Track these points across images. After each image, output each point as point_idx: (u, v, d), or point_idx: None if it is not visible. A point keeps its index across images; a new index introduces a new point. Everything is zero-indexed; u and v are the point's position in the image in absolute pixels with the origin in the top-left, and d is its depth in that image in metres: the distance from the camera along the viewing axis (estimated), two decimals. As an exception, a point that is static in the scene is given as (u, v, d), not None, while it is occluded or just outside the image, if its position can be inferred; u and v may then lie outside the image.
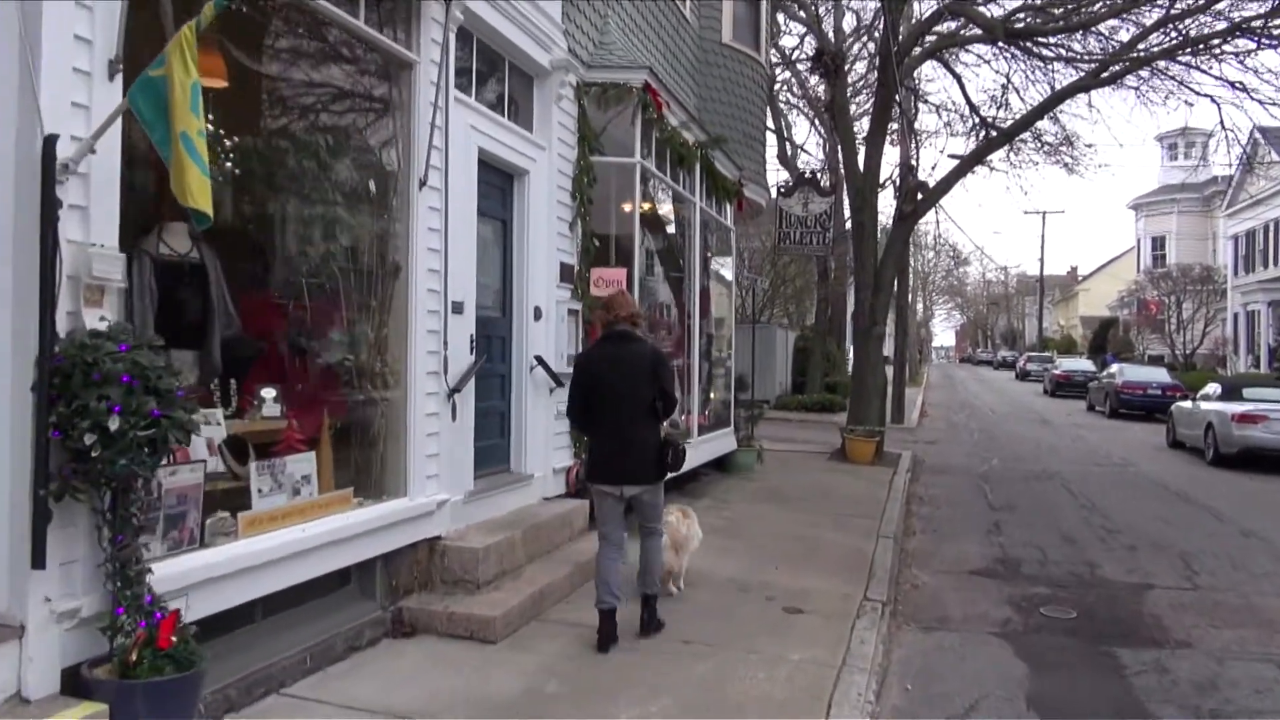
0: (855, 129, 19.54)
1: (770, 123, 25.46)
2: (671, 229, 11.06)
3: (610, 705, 4.50)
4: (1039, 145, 18.80)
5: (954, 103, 29.89)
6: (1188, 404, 18.50)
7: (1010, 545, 9.27)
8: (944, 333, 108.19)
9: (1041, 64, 15.93)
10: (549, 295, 7.54)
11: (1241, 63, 14.29)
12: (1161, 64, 14.77)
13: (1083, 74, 15.31)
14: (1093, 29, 14.86)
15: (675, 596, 6.24)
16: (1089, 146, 34.74)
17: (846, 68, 20.66)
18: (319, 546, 4.68)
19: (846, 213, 20.52)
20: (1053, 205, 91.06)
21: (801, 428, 19.60)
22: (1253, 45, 13.71)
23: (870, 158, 15.85)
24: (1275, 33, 13.21)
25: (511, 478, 7.11)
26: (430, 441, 5.73)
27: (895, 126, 19.01)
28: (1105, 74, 14.81)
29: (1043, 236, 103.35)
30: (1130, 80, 15.37)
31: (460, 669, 4.89)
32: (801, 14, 20.49)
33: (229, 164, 4.84)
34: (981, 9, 15.33)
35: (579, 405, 5.44)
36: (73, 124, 3.39)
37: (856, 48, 23.48)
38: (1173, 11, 13.84)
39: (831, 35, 19.79)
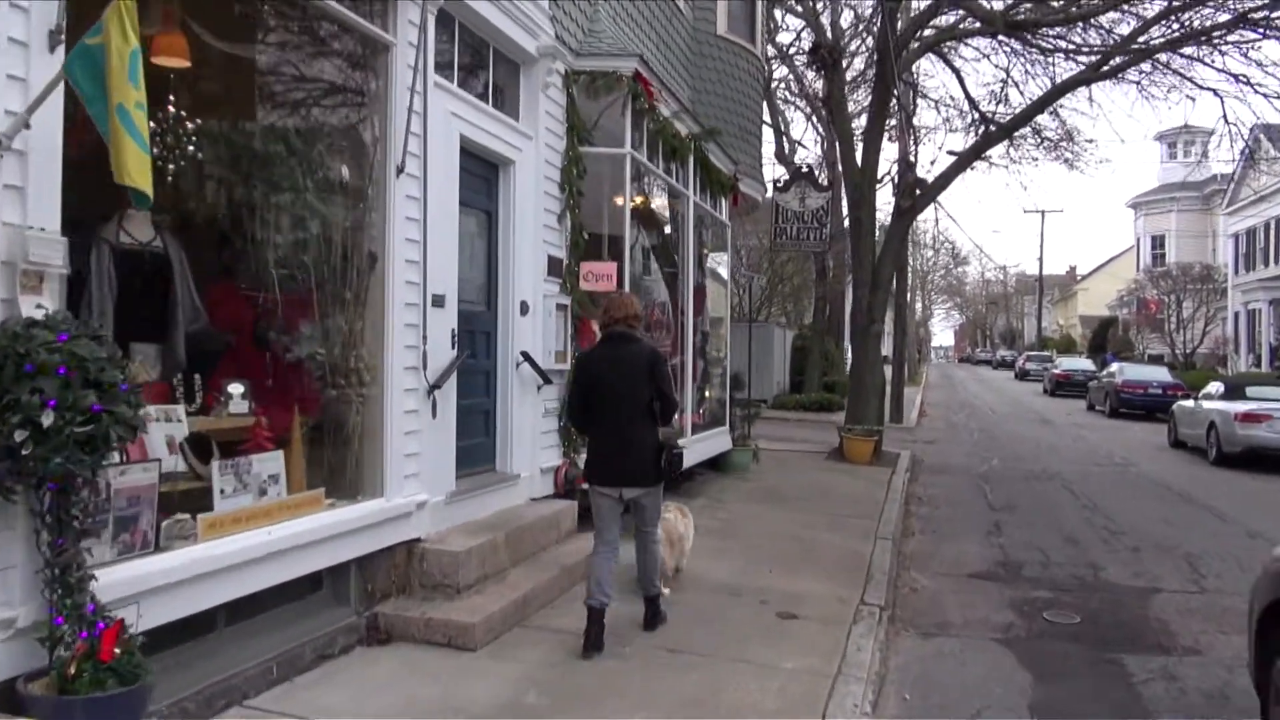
0: (853, 125, 19.31)
1: (767, 119, 25.26)
2: (665, 224, 10.83)
3: (591, 718, 4.28)
4: (1039, 141, 18.60)
5: (953, 98, 29.50)
6: (1189, 403, 18.29)
7: (1011, 547, 9.04)
8: (943, 332, 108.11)
9: (1042, 56, 15.72)
10: (536, 289, 7.30)
11: (1245, 55, 14.03)
12: (1163, 57, 14.56)
13: (1083, 68, 15.09)
14: (1093, 21, 14.65)
15: (665, 600, 5.99)
16: (1090, 142, 34.55)
17: (844, 63, 20.45)
18: (286, 550, 4.44)
19: (845, 210, 20.31)
20: (1052, 204, 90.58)
21: (799, 427, 19.38)
22: (1256, 36, 13.49)
23: (868, 153, 15.62)
24: (1279, 24, 12.98)
25: (496, 478, 6.87)
26: (409, 440, 5.50)
27: (893, 122, 18.79)
28: (1106, 67, 14.59)
29: (1042, 235, 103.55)
30: (1132, 74, 15.15)
31: (437, 678, 4.66)
32: (798, 8, 20.24)
33: (191, 148, 4.60)
34: (981, 1, 15.10)
35: (578, 405, 5.42)
36: (8, 98, 3.15)
37: (855, 44, 23.26)
38: (1175, 3, 13.62)
39: (829, 29, 19.54)
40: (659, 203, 10.44)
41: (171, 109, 4.56)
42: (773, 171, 24.23)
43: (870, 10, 19.36)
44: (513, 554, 6.15)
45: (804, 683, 4.83)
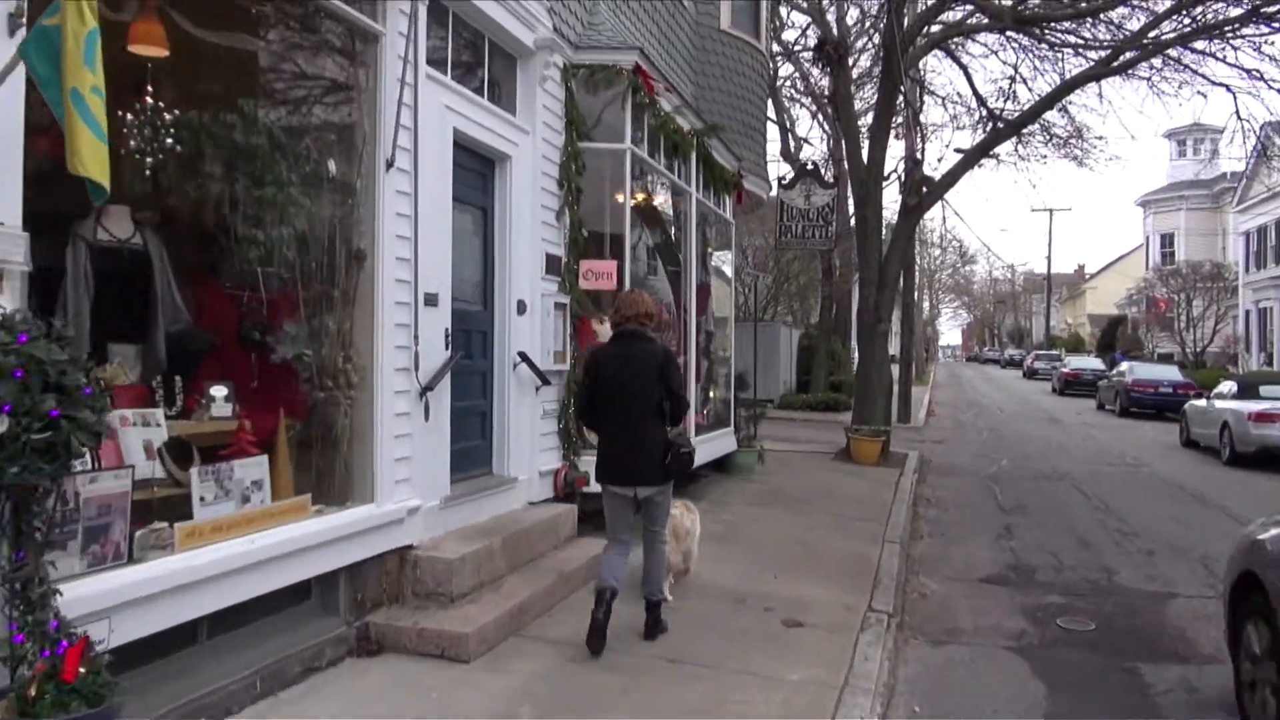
0: (859, 123, 19.11)
1: (773, 116, 25.04)
2: (667, 222, 10.65)
3: (587, 734, 4.11)
4: (1048, 138, 18.36)
5: (960, 95, 29.32)
6: (1202, 402, 18.05)
7: (1022, 550, 8.84)
8: (950, 331, 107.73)
9: (1050, 52, 15.48)
10: (534, 288, 7.12)
11: (1258, 50, 13.84)
12: (1174, 52, 14.31)
13: (1093, 63, 14.85)
14: (1103, 16, 14.40)
15: (668, 606, 5.77)
16: (1099, 139, 34.12)
17: (850, 60, 20.23)
18: (270, 560, 4.27)
19: (851, 208, 20.09)
20: (1060, 202, 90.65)
21: (805, 427, 19.18)
22: (1270, 31, 13.24)
23: (874, 150, 15.38)
24: (1294, 17, 12.75)
25: (493, 481, 6.70)
26: (400, 444, 5.32)
27: (900, 119, 18.55)
28: (1117, 63, 14.33)
29: (1050, 233, 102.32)
30: (1142, 70, 14.89)
31: (428, 691, 4.49)
32: (804, 3, 20.03)
33: (170, 140, 4.43)
34: (989, -5, 14.88)
35: (587, 404, 5.40)
36: (-36, 85, 2.98)
37: (861, 41, 23.04)
38: (1186, -3, 13.39)
39: (834, 25, 19.30)
40: (661, 200, 10.25)
41: (149, 100, 4.39)
42: (778, 169, 24.03)
43: (876, 6, 19.12)
44: (509, 560, 5.98)
45: (809, 695, 4.65)
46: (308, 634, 4.68)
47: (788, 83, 26.33)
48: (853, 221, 18.40)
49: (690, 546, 6.62)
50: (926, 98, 21.17)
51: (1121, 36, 14.47)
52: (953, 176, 16.01)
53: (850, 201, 19.47)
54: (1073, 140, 18.35)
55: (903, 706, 4.91)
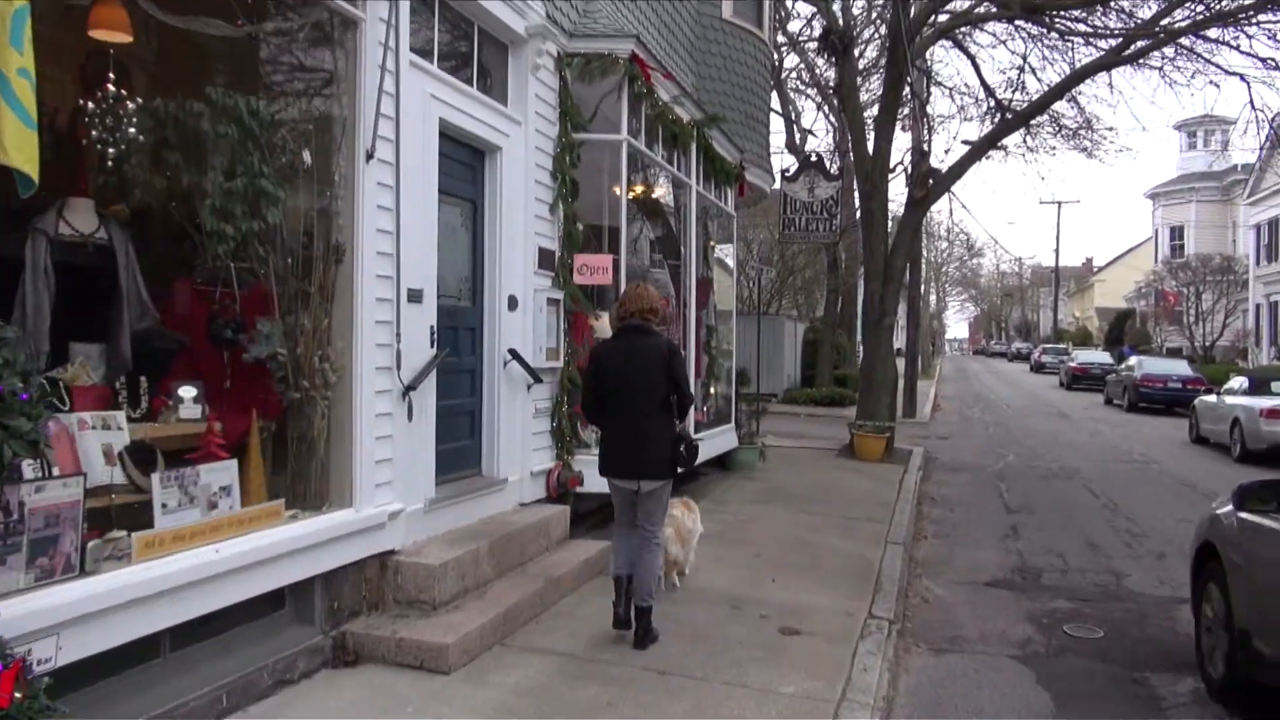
0: (865, 115, 18.79)
1: (778, 108, 24.75)
2: (667, 214, 10.44)
3: (569, 754, 3.91)
4: (1057, 129, 18.05)
5: (968, 85, 28.97)
6: (1212, 398, 17.79)
7: (1029, 552, 8.62)
8: (957, 324, 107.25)
9: (1060, 40, 15.19)
10: (526, 283, 6.91)
11: (1273, 38, 13.46)
12: (1187, 41, 14.01)
13: (1103, 52, 14.56)
14: (1114, 4, 14.11)
15: (661, 615, 5.56)
16: (1109, 130, 33.74)
17: (856, 51, 19.94)
18: (238, 569, 4.08)
19: (856, 201, 19.81)
20: (1069, 195, 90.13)
21: (810, 422, 18.97)
22: (1285, 18, 12.95)
23: (880, 141, 15.11)
24: (1310, 4, 12.45)
25: (483, 483, 6.49)
26: (381, 445, 5.12)
27: (906, 111, 18.27)
28: (1128, 52, 14.05)
29: (1058, 227, 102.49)
30: (1154, 59, 14.61)
31: (404, 705, 4.29)
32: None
33: (133, 130, 4.22)
34: (997, -17, 14.60)
35: (592, 399, 5.37)
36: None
37: (868, 32, 22.72)
38: (1199, -16, 13.10)
39: (840, 15, 19.00)
40: (660, 192, 10.04)
41: (112, 88, 4.18)
42: (782, 162, 23.77)
43: (883, -3, 18.82)
44: (497, 565, 5.78)
45: (804, 710, 4.45)
46: (280, 645, 4.48)
47: (793, 74, 26.05)
48: (858, 215, 18.16)
49: (692, 545, 6.62)
50: (934, 89, 20.92)
51: (1133, 24, 14.18)
52: (960, 168, 15.74)
53: (856, 195, 19.21)
54: (1082, 131, 18.07)
55: (902, 721, 4.72)
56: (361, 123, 4.97)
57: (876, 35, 22.59)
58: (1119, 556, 8.49)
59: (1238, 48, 13.74)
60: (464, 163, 6.40)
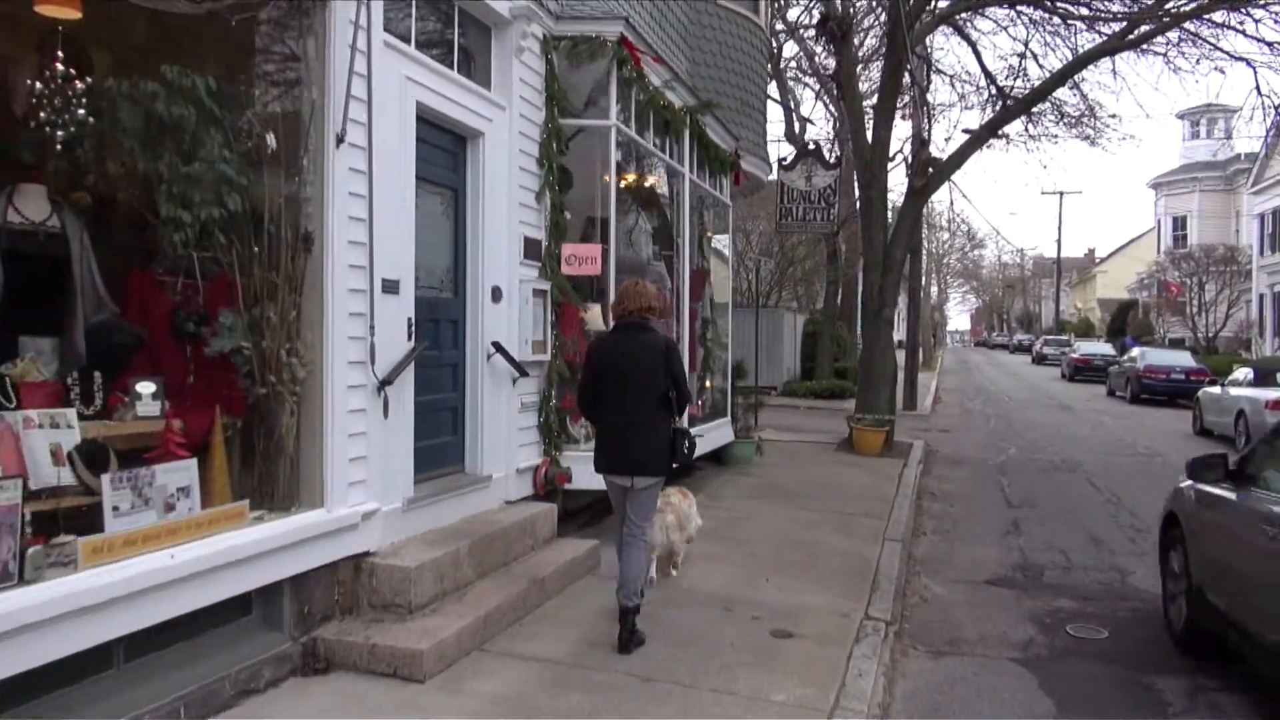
0: (865, 105, 18.52)
1: (777, 96, 24.48)
2: (660, 204, 10.21)
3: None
4: (1059, 116, 17.76)
5: (969, 73, 28.57)
6: (1216, 389, 17.56)
7: (1031, 548, 8.41)
8: (959, 316, 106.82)
9: (1062, 24, 14.90)
10: (511, 274, 6.69)
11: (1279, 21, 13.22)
12: (1192, 25, 13.73)
13: (1106, 37, 14.30)
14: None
15: (649, 618, 5.34)
16: (1113, 117, 33.38)
17: (856, 40, 19.66)
18: (196, 574, 3.87)
19: (856, 191, 19.55)
20: (1071, 185, 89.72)
21: (809, 415, 18.76)
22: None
23: (879, 129, 14.83)
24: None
25: (466, 480, 6.28)
26: (354, 443, 4.91)
27: (906, 99, 17.99)
28: (1132, 36, 13.78)
29: (1060, 217, 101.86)
30: (1158, 44, 14.33)
31: (374, 716, 4.09)
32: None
33: (83, 112, 4.00)
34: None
35: (589, 395, 5.31)
36: None
37: (869, 21, 22.42)
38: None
39: (839, 1, 18.72)
40: (652, 181, 9.81)
41: (61, 66, 3.96)
42: (780, 151, 23.46)
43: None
44: (478, 566, 5.58)
45: (795, 718, 4.24)
46: (246, 652, 4.28)
47: (793, 63, 25.77)
48: (858, 204, 17.91)
49: (689, 534, 6.62)
50: (934, 76, 20.61)
51: (1136, 8, 13.91)
52: (960, 157, 15.47)
53: (855, 185, 18.96)
54: (1085, 119, 17.77)
55: (898, 730, 4.51)
56: (331, 105, 4.75)
57: (877, 24, 22.30)
58: (1123, 553, 8.28)
59: (1244, 31, 13.45)
60: (444, 149, 6.17)
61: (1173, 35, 14.06)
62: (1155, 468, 13.64)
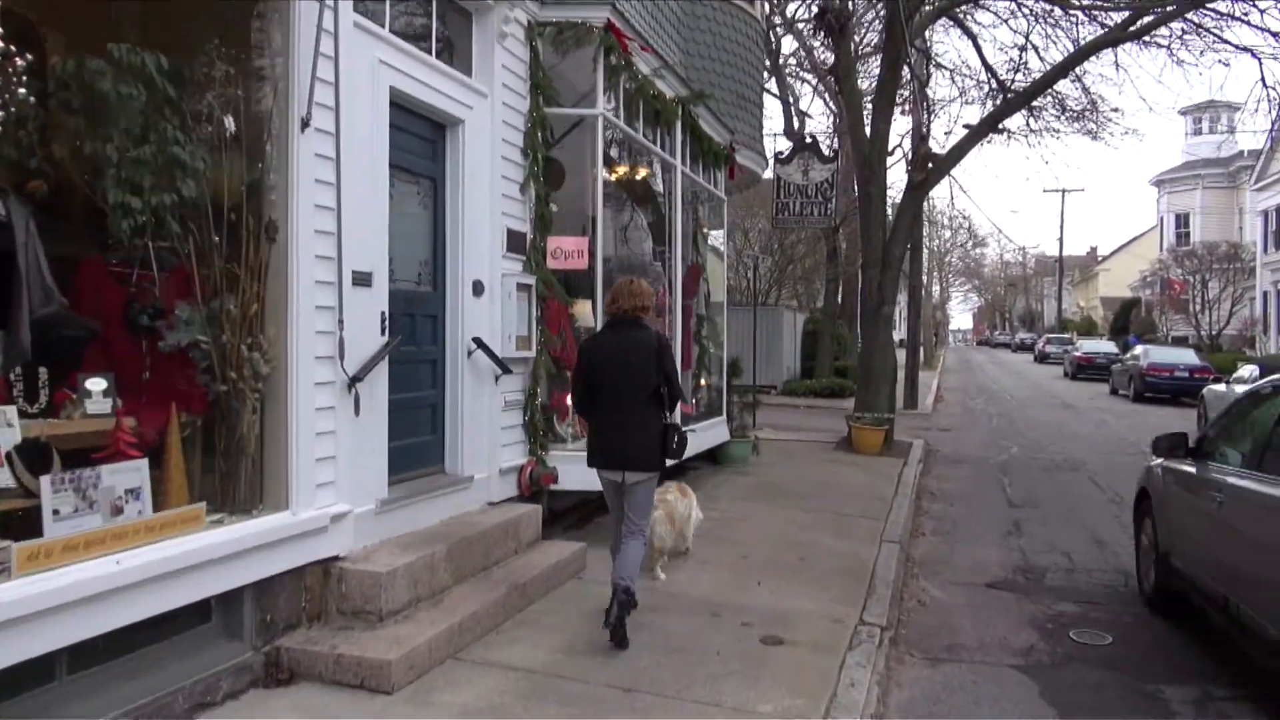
0: (864, 100, 18.28)
1: (776, 91, 24.25)
2: (653, 197, 9.98)
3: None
4: (1061, 110, 17.51)
5: (969, 67, 28.23)
6: (1221, 387, 17.29)
7: (1032, 549, 8.18)
8: (961, 315, 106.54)
9: (1063, 15, 14.66)
10: (493, 267, 6.47)
11: (1285, 12, 12.98)
12: (1195, 16, 13.49)
13: (1108, 29, 14.05)
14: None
15: (634, 624, 5.11)
16: (1115, 111, 33.07)
17: (856, 35, 19.42)
18: (145, 580, 3.65)
19: (856, 187, 19.29)
20: (1073, 182, 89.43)
21: (809, 414, 18.53)
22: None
23: (878, 123, 14.58)
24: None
25: (445, 481, 6.06)
26: (322, 442, 4.69)
27: (906, 93, 17.76)
28: (1134, 28, 13.54)
29: (1062, 215, 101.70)
30: (1161, 35, 14.08)
31: (338, 731, 3.87)
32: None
33: (23, 91, 3.78)
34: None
35: (582, 392, 5.28)
36: None
37: (869, 17, 22.17)
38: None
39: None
40: (643, 173, 9.58)
41: (1, 44, 3.73)
42: (779, 147, 23.21)
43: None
44: (456, 570, 5.35)
45: (783, 733, 4.02)
46: (204, 663, 4.06)
47: (792, 59, 25.52)
48: (856, 200, 17.66)
49: (686, 532, 6.66)
50: (933, 70, 20.37)
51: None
52: (960, 151, 15.22)
53: (855, 180, 18.70)
54: (1087, 113, 17.52)
55: (892, 743, 4.28)
56: (296, 88, 4.53)
57: (878, 19, 22.05)
58: (1127, 555, 8.02)
59: (1248, 22, 13.22)
60: (422, 136, 5.95)
61: (1176, 26, 13.83)
62: (1160, 466, 13.38)
